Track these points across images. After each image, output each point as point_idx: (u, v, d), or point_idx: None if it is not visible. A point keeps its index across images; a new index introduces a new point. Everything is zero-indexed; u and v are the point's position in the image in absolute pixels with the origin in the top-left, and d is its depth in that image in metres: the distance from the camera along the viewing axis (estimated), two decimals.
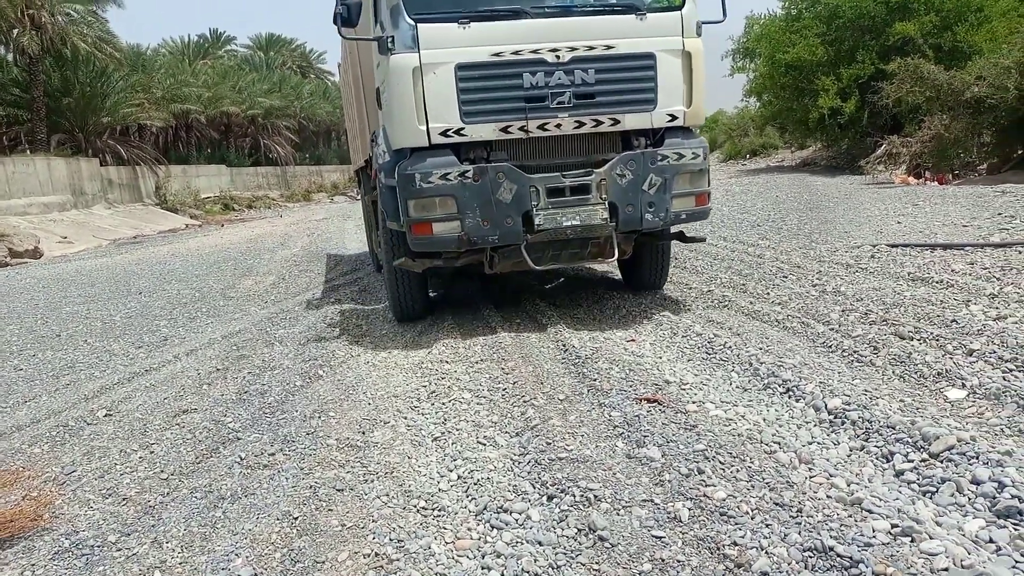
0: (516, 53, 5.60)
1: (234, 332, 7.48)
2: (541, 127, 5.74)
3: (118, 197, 31.04)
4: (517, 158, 5.93)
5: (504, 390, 4.77)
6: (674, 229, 6.77)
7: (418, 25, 5.54)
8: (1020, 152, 16.51)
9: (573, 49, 5.68)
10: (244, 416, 4.83)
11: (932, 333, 5.03)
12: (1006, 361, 4.35)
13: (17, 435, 4.84)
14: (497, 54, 5.59)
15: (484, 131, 5.69)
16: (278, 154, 47.97)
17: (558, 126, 5.78)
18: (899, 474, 3.26)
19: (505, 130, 5.70)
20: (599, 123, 5.85)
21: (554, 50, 5.66)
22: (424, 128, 5.61)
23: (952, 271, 6.72)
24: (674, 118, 6.01)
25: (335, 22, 5.74)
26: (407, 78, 5.54)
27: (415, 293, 6.80)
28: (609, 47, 5.74)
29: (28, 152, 27.63)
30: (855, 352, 4.91)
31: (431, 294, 7.87)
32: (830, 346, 5.12)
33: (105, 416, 5.09)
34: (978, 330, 4.96)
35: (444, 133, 5.64)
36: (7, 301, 11.17)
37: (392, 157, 5.98)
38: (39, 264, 17.53)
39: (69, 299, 10.74)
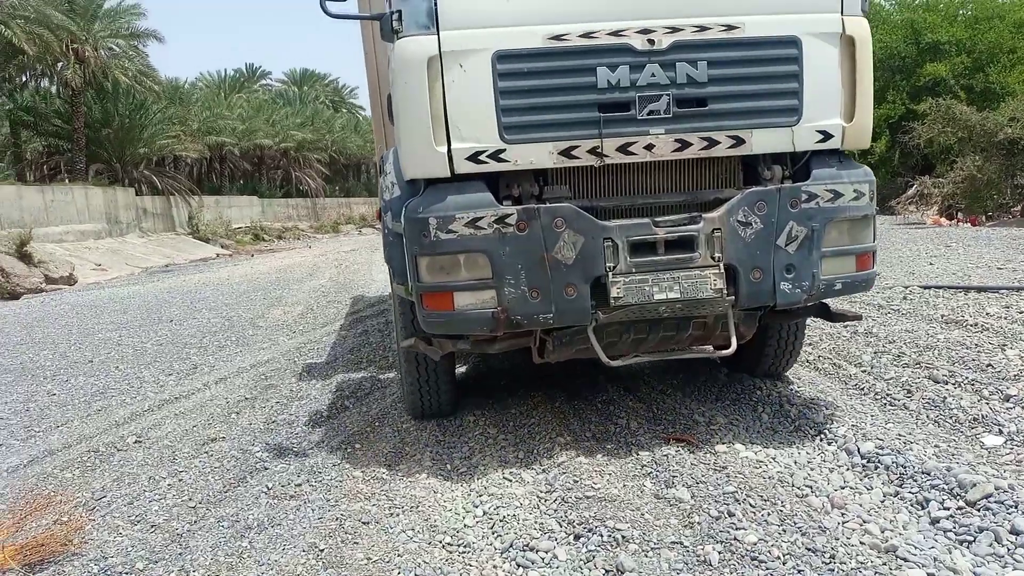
0: (587, 36, 3.68)
1: (262, 361, 7.54)
2: (624, 149, 3.79)
3: (152, 226, 31.68)
4: (584, 196, 3.99)
5: (530, 428, 4.75)
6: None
7: None
8: None
9: (675, 30, 3.73)
10: (272, 446, 4.85)
11: (967, 377, 4.94)
12: None
13: (49, 460, 4.91)
14: (558, 37, 3.67)
15: (536, 155, 3.76)
16: (308, 186, 48.75)
17: (650, 148, 3.80)
18: (935, 522, 3.19)
19: (568, 154, 3.77)
20: (712, 143, 3.84)
21: (646, 32, 3.71)
22: (444, 150, 3.69)
23: (987, 314, 6.62)
24: (827, 137, 3.96)
25: None
26: (420, 73, 3.63)
27: (437, 382, 4.83)
28: (730, 27, 3.77)
29: (67, 181, 28.35)
30: (888, 395, 4.84)
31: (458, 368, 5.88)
32: (862, 388, 5.05)
33: (135, 443, 5.14)
34: (1015, 375, 4.86)
35: (475, 158, 3.71)
36: (42, 327, 11.38)
37: (402, 192, 4.08)
38: (73, 290, 17.87)
39: (102, 325, 10.92)
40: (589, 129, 3.76)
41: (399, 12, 3.71)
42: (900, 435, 4.12)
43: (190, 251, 29.26)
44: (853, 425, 4.29)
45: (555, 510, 3.56)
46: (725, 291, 3.83)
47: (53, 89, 31.92)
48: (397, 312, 4.78)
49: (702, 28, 3.76)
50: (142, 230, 30.50)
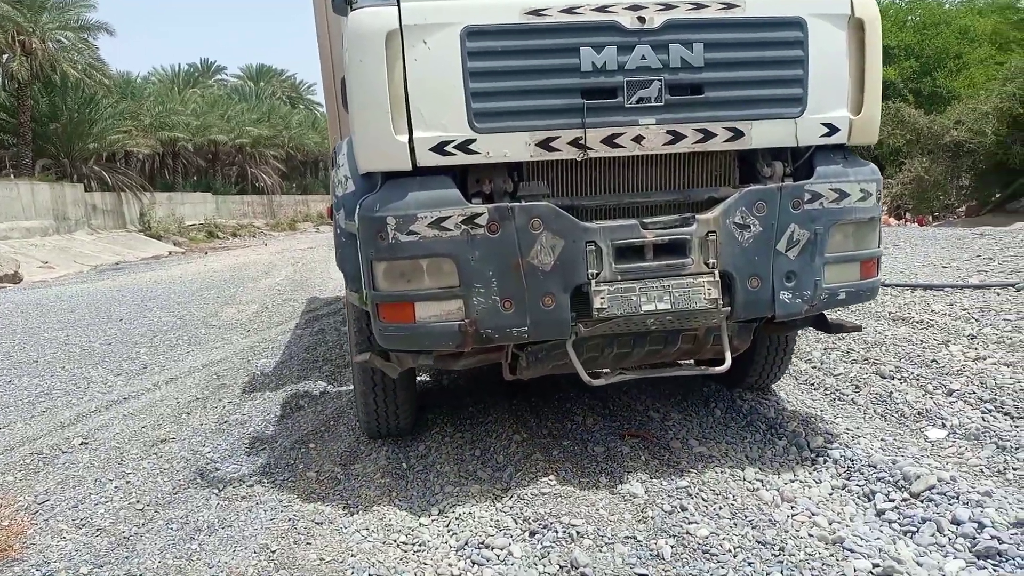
0: (570, 11, 3.29)
1: (215, 361, 7.40)
2: (609, 141, 3.39)
3: (102, 223, 30.88)
4: (564, 193, 3.59)
5: (486, 425, 4.74)
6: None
7: None
8: (998, 195, 16.86)
9: (669, 7, 3.35)
10: (223, 446, 4.77)
11: (913, 373, 5.07)
12: (985, 402, 4.39)
13: None
14: (536, 12, 3.26)
15: (510, 146, 3.34)
16: (265, 183, 47.99)
17: (639, 140, 3.41)
18: (880, 513, 3.27)
19: (546, 145, 3.35)
20: (708, 136, 3.47)
21: (636, 8, 3.33)
22: (405, 140, 3.26)
23: (932, 311, 6.80)
24: (833, 130, 3.61)
25: None
26: (377, 50, 3.19)
27: (396, 400, 4.34)
28: (730, 5, 3.41)
29: (12, 177, 27.48)
30: (837, 390, 4.94)
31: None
32: (812, 384, 5.14)
33: (81, 444, 5.00)
34: (958, 370, 5.00)
35: (440, 149, 3.30)
36: None
37: (356, 187, 3.60)
38: (18, 289, 17.32)
39: (48, 325, 10.60)
40: (571, 117, 3.35)
41: None
42: (848, 429, 4.22)
43: (142, 249, 28.59)
44: (803, 420, 4.38)
45: (511, 507, 3.56)
46: (720, 301, 3.46)
47: None
48: (351, 322, 4.27)
49: (699, 5, 3.38)
50: (91, 227, 29.71)
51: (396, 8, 3.21)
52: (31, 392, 6.58)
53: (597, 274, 3.38)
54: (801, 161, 3.72)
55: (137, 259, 25.66)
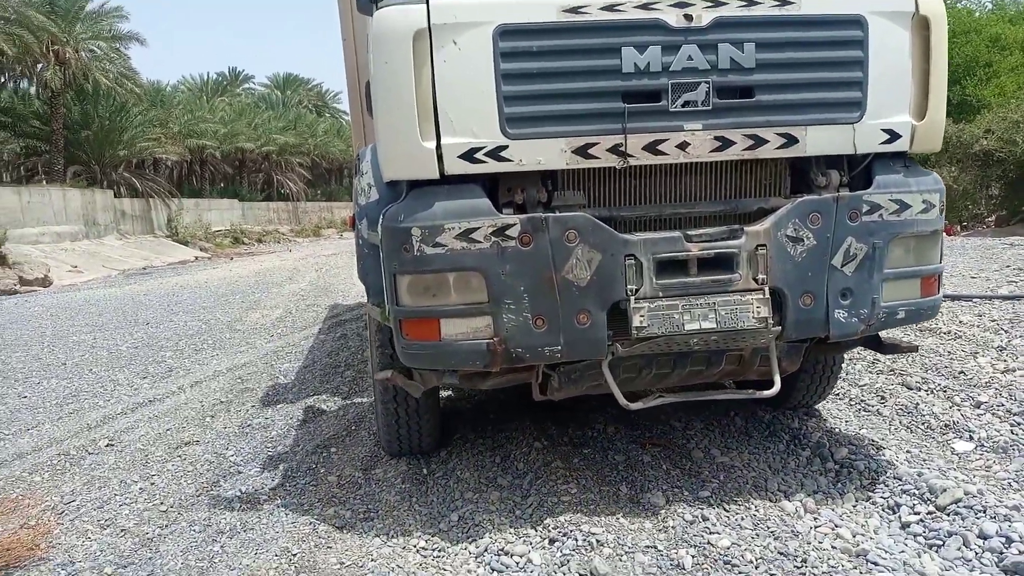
0: (610, 8, 3.08)
1: (239, 365, 7.48)
2: (652, 148, 3.18)
3: (130, 228, 31.36)
4: (602, 204, 3.38)
5: (507, 432, 4.74)
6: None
7: None
8: None
9: (718, 4, 3.13)
10: (246, 450, 4.81)
11: (939, 384, 5.00)
12: (1014, 415, 4.31)
13: (18, 463, 4.83)
14: (575, 9, 3.06)
15: (544, 153, 3.14)
16: (290, 190, 48.51)
17: (683, 146, 3.19)
18: (905, 526, 3.22)
19: (584, 152, 3.15)
20: (759, 142, 3.24)
21: (682, 5, 3.11)
22: (432, 146, 3.09)
23: (960, 322, 6.69)
24: (894, 137, 3.36)
25: None
26: (403, 51, 3.02)
27: (419, 419, 4.17)
28: (783, 2, 3.18)
29: (44, 183, 28.01)
30: (862, 401, 4.88)
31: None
32: (837, 394, 5.08)
33: (107, 446, 5.07)
34: (986, 382, 4.92)
35: (470, 156, 3.11)
36: (15, 328, 11.21)
37: (380, 196, 3.49)
38: (48, 292, 17.63)
39: (76, 328, 10.78)
40: (611, 123, 3.13)
41: None
42: (873, 441, 4.16)
43: (168, 253, 28.98)
44: (827, 431, 4.33)
45: (531, 514, 3.55)
46: (770, 320, 3.21)
47: (32, 90, 31.53)
48: (372, 336, 4.03)
49: (751, 2, 3.14)
50: (120, 232, 30.17)
51: (424, 6, 3.02)
52: (59, 394, 6.69)
53: (636, 290, 3.16)
54: (858, 170, 3.47)
55: (164, 264, 26.02)
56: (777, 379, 3.42)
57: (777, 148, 3.26)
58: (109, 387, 6.85)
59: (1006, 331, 6.15)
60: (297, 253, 28.90)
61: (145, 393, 6.54)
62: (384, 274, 3.24)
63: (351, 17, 5.41)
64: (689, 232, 3.22)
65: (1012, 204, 16.79)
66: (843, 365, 4.72)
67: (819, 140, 3.29)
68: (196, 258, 29.01)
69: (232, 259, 27.73)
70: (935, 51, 3.33)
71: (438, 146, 3.09)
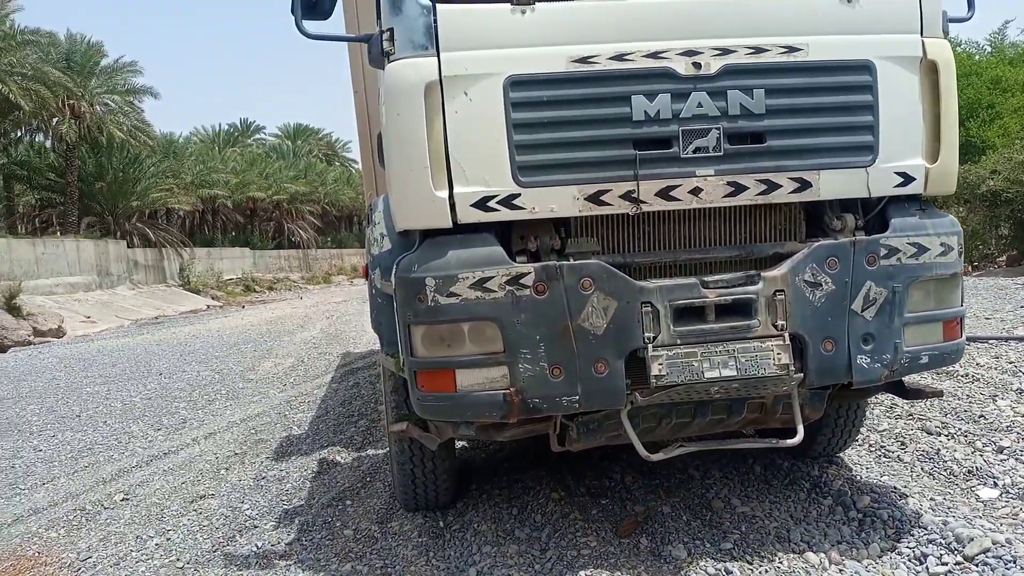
0: (620, 58, 3.12)
1: (253, 415, 7.47)
2: (665, 194, 3.19)
3: (143, 278, 31.63)
4: (616, 251, 3.36)
5: (524, 483, 4.70)
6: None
7: (437, 6, 3.11)
8: None
9: (726, 52, 3.17)
10: (261, 503, 4.78)
11: (960, 429, 4.95)
12: None
13: (34, 519, 4.81)
14: (584, 59, 3.10)
15: (557, 201, 3.15)
16: (301, 237, 48.96)
17: (696, 192, 3.20)
18: None
19: (596, 199, 3.16)
20: (772, 187, 3.24)
21: (691, 53, 3.15)
22: (445, 195, 3.10)
23: (977, 364, 6.65)
24: (908, 180, 3.37)
25: (292, 11, 3.21)
26: (415, 103, 3.07)
27: (435, 472, 4.10)
28: (792, 49, 3.21)
29: (59, 234, 28.39)
30: (882, 447, 4.83)
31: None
32: (856, 440, 5.03)
33: (122, 500, 5.06)
34: (1007, 426, 4.87)
35: (483, 204, 3.12)
36: (29, 380, 11.26)
37: (393, 245, 3.48)
38: (61, 343, 17.73)
39: (90, 379, 10.82)
40: (623, 170, 3.15)
41: (391, 30, 3.11)
42: (895, 488, 4.11)
43: (180, 303, 29.15)
44: (848, 478, 4.27)
45: (550, 569, 3.51)
46: (792, 367, 3.14)
47: (48, 143, 32.18)
48: (386, 388, 4.00)
49: (758, 50, 3.18)
50: (133, 282, 30.42)
51: (435, 59, 3.06)
52: (74, 447, 6.69)
53: (654, 338, 3.10)
54: (873, 214, 3.46)
55: (176, 313, 26.15)
56: (800, 427, 3.37)
57: (791, 192, 3.26)
58: (123, 439, 6.85)
59: None
60: (308, 300, 29.02)
61: (159, 445, 6.53)
62: (398, 324, 3.21)
63: (362, 69, 5.48)
64: (706, 278, 3.19)
65: (1022, 244, 16.76)
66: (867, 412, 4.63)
67: (833, 184, 3.29)
68: (208, 307, 29.16)
69: (244, 307, 27.87)
70: (945, 94, 3.34)
71: (451, 195, 3.10)
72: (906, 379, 3.79)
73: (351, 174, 59.21)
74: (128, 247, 31.38)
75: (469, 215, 3.11)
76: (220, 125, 55.67)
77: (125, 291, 28.81)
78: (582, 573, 3.39)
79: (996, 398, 5.54)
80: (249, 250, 43.01)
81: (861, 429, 4.62)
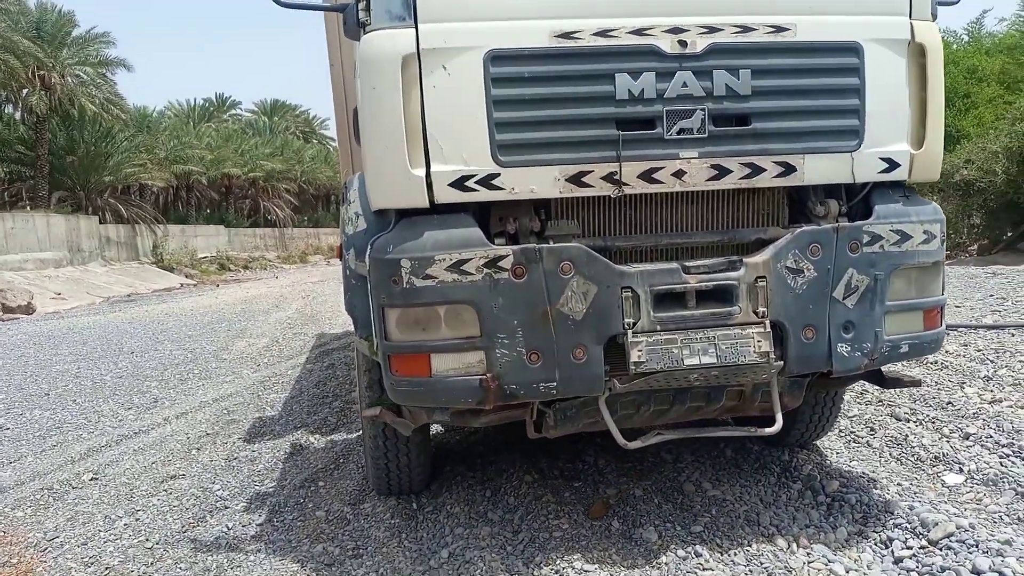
0: (604, 34, 3.04)
1: (225, 395, 7.40)
2: (647, 176, 3.13)
3: (115, 255, 31.14)
4: (597, 234, 3.32)
5: (497, 465, 4.71)
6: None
7: None
8: (1010, 234, 16.80)
9: (712, 31, 3.10)
10: (233, 484, 4.75)
11: (928, 415, 5.02)
12: (1003, 446, 4.33)
13: (0, 498, 4.74)
14: (567, 35, 3.02)
15: (537, 182, 3.08)
16: (277, 216, 48.41)
17: (679, 175, 3.14)
18: (898, 561, 3.22)
19: (578, 180, 3.10)
20: (756, 171, 3.20)
21: (676, 31, 3.08)
22: (422, 174, 3.01)
23: (946, 352, 6.74)
24: (893, 166, 3.34)
25: None
26: (392, 76, 2.96)
27: (408, 457, 4.05)
28: (779, 29, 3.15)
29: (28, 208, 27.83)
30: (852, 433, 4.89)
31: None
32: (833, 428, 5.09)
33: (91, 480, 4.99)
34: (974, 413, 4.95)
35: (460, 184, 3.04)
36: None
37: (368, 225, 3.38)
38: (31, 320, 17.43)
39: (59, 357, 10.65)
40: (605, 150, 3.07)
41: (367, 0, 3.00)
42: (864, 473, 4.17)
43: (154, 281, 28.76)
44: (818, 463, 4.33)
45: (522, 551, 3.52)
46: (772, 355, 3.11)
47: (17, 115, 31.44)
48: (360, 371, 3.90)
49: (745, 29, 3.10)
50: (105, 259, 29.95)
51: (413, 30, 2.95)
52: (42, 425, 6.59)
53: (634, 324, 3.05)
54: (857, 200, 3.44)
55: (149, 291, 25.81)
56: (779, 416, 3.34)
57: (775, 177, 3.21)
58: (93, 418, 6.76)
59: (992, 361, 6.21)
60: (284, 280, 28.78)
61: (130, 425, 6.46)
62: (372, 307, 3.12)
63: (339, 43, 5.36)
64: (687, 263, 3.14)
65: (994, 233, 17.02)
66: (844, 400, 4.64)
67: (817, 169, 3.24)
68: (181, 285, 28.80)
69: (218, 286, 27.56)
70: (932, 79, 3.30)
71: (427, 174, 3.00)
72: (885, 368, 3.78)
73: (329, 152, 58.60)
74: (100, 223, 30.82)
75: (446, 195, 3.03)
76: (195, 100, 54.72)
77: (97, 268, 28.37)
78: (554, 555, 3.40)
79: (964, 385, 5.63)
80: (224, 228, 42.47)
81: (838, 417, 4.62)
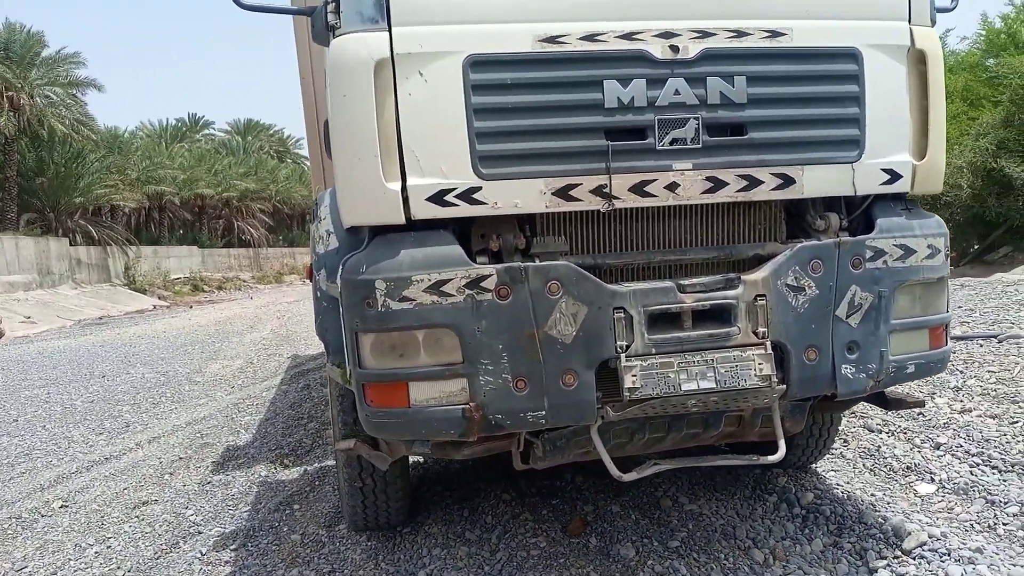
0: (591, 39, 2.88)
1: (199, 419, 7.31)
2: (638, 189, 2.96)
3: (86, 277, 30.70)
4: (586, 251, 3.13)
5: (475, 484, 4.69)
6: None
7: None
8: (976, 247, 17.15)
9: (705, 35, 2.95)
10: (206, 509, 4.68)
11: (900, 426, 5.09)
12: (972, 455, 4.40)
13: None
14: (553, 39, 2.86)
15: (522, 195, 2.90)
16: (251, 236, 48.05)
17: (672, 187, 2.97)
18: (873, 572, 3.25)
19: (564, 194, 2.91)
20: (753, 183, 3.03)
21: (668, 35, 2.93)
22: (397, 188, 2.81)
23: None
24: (895, 177, 3.18)
25: None
26: (364, 83, 2.77)
27: (386, 492, 3.82)
28: (775, 34, 3.01)
29: None
30: None
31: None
32: (830, 451, 5.14)
33: (61, 507, 4.90)
34: (944, 423, 5.02)
35: (439, 198, 2.84)
36: None
37: (340, 243, 3.21)
38: (0, 345, 17.11)
39: (29, 382, 10.46)
40: (593, 162, 2.88)
41: (336, 1, 2.80)
42: (838, 484, 4.21)
43: (126, 303, 28.37)
44: (792, 475, 4.36)
45: (499, 571, 3.51)
46: (773, 378, 2.90)
47: None
48: (333, 400, 3.65)
49: (740, 33, 2.95)
50: (76, 281, 29.51)
51: (387, 34, 2.76)
52: (11, 452, 6.46)
53: (627, 347, 2.84)
54: (857, 213, 3.27)
55: (121, 313, 25.45)
56: (782, 443, 3.17)
57: (773, 189, 3.04)
58: (63, 444, 6.64)
59: (961, 371, 6.31)
60: (258, 300, 28.52)
61: (101, 450, 6.35)
62: (345, 331, 2.88)
63: (309, 52, 5.21)
64: (682, 282, 2.94)
65: (960, 246, 17.36)
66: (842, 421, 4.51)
67: (816, 181, 3.08)
68: (154, 307, 28.43)
69: (192, 307, 27.25)
70: (933, 87, 3.16)
71: (403, 188, 2.79)
72: (889, 391, 3.63)
73: (303, 171, 58.33)
74: (71, 245, 30.39)
75: (424, 210, 2.81)
76: (167, 120, 54.21)
77: (67, 291, 27.94)
78: (531, 573, 3.39)
79: (935, 395, 5.71)
80: (197, 248, 42.06)
81: (836, 439, 4.49)
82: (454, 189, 2.81)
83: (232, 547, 4.03)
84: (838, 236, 3.14)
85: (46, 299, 25.31)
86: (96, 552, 4.12)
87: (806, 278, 2.98)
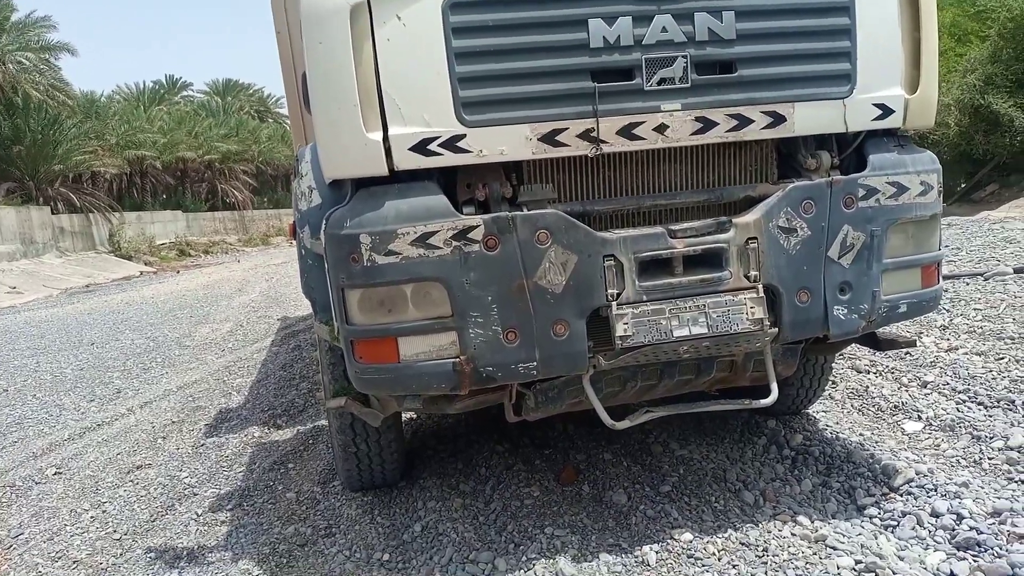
0: None
1: (190, 383, 7.30)
2: (627, 132, 2.87)
3: (70, 245, 30.41)
4: (575, 198, 3.06)
5: (468, 436, 4.72)
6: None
7: None
8: (963, 185, 17.15)
9: None
10: (201, 471, 4.70)
11: (887, 366, 5.13)
12: (959, 392, 4.44)
13: None
14: None
15: (508, 142, 2.81)
16: (236, 198, 47.58)
17: (661, 129, 2.89)
18: (861, 509, 3.30)
19: (551, 139, 2.83)
20: (743, 122, 2.96)
21: None
22: (379, 138, 2.74)
23: None
24: (887, 112, 3.10)
25: None
26: (340, 30, 2.67)
27: (380, 450, 3.78)
28: None
29: None
30: None
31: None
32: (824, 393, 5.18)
33: (55, 474, 4.91)
34: (931, 362, 5.07)
35: (423, 147, 2.76)
36: None
37: (323, 199, 3.09)
38: None
39: (17, 352, 10.40)
40: (579, 105, 2.80)
41: None
42: (827, 425, 4.25)
43: (112, 270, 28.16)
44: (781, 418, 4.40)
45: (494, 520, 3.54)
46: (766, 321, 2.88)
47: None
48: (322, 357, 3.60)
49: None
50: (60, 250, 29.24)
51: None
52: (2, 422, 6.44)
53: (618, 294, 2.82)
54: (849, 151, 3.19)
55: (108, 281, 25.28)
56: (774, 386, 3.15)
57: (763, 128, 2.97)
58: (55, 412, 6.62)
59: (947, 310, 6.35)
60: (246, 263, 28.36)
61: (93, 417, 6.34)
62: (331, 288, 2.84)
63: (284, 6, 5.07)
64: (673, 227, 2.89)
65: (947, 185, 17.34)
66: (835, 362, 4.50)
67: (808, 118, 3.00)
68: (141, 273, 28.24)
69: (179, 272, 27.09)
70: (925, 18, 3.07)
71: (385, 138, 2.72)
72: (880, 331, 3.59)
73: (285, 131, 57.50)
74: (53, 213, 30.02)
75: (407, 160, 2.75)
76: (144, 82, 53.29)
77: (52, 259, 27.69)
78: (525, 522, 3.43)
79: (921, 335, 5.75)
80: (182, 213, 41.65)
81: (829, 382, 4.50)
82: (437, 138, 2.74)
83: (228, 507, 4.06)
84: (830, 175, 3.08)
85: (31, 269, 25.10)
86: (92, 517, 4.14)
87: (798, 219, 2.94)
